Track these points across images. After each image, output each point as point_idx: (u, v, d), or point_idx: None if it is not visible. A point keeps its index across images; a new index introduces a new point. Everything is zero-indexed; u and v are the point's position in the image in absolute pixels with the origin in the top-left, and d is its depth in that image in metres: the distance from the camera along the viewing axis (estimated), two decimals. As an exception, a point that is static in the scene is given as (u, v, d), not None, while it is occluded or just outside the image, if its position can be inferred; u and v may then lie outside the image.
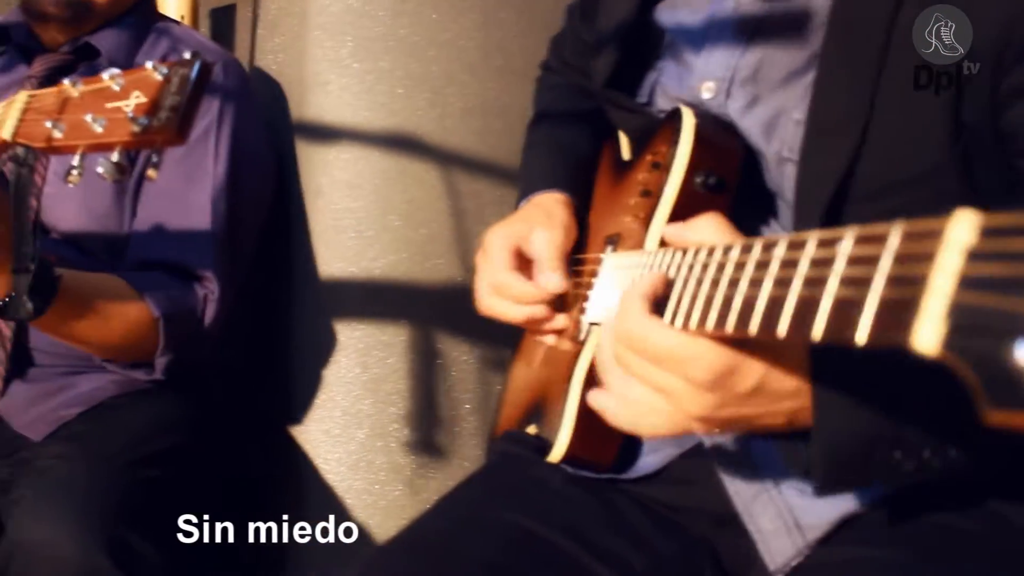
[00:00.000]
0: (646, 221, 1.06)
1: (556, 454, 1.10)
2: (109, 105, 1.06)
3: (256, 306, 1.97)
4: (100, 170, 1.08)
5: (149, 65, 1.06)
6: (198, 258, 1.62)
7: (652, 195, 1.06)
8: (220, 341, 1.69)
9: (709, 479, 1.08)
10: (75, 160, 1.10)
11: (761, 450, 1.05)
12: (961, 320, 0.46)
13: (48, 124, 1.11)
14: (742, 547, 1.05)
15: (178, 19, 2.31)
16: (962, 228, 0.48)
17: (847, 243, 0.59)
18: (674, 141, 1.05)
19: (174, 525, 1.60)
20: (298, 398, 1.91)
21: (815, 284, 0.60)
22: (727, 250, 0.76)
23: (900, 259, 0.53)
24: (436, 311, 1.86)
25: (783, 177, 1.03)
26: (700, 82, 1.10)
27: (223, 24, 2.53)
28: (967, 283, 0.47)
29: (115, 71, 1.08)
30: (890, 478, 0.91)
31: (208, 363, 1.72)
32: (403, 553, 1.09)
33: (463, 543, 1.08)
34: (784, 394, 0.84)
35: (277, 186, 1.90)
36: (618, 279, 1.07)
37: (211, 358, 1.71)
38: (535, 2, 1.91)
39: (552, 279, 1.16)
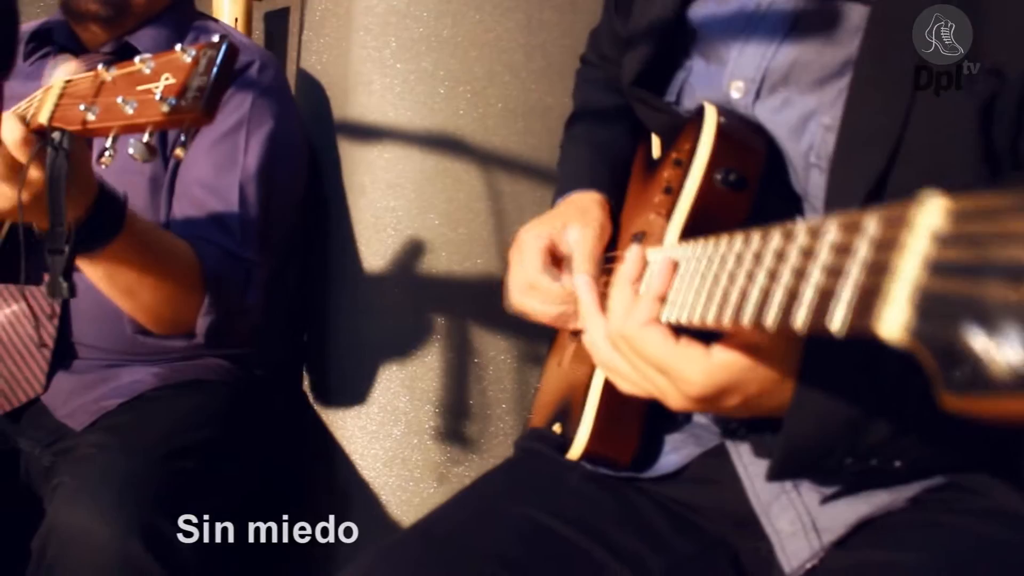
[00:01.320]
0: (667, 217, 1.04)
1: (575, 451, 1.09)
2: (140, 88, 1.08)
3: (296, 302, 1.98)
4: (131, 151, 1.11)
5: (178, 48, 1.08)
6: (237, 240, 1.63)
7: (673, 192, 1.05)
8: (259, 329, 1.70)
9: (730, 479, 1.06)
10: (108, 142, 1.13)
11: None
12: (925, 306, 0.44)
13: (82, 108, 1.14)
14: (761, 549, 1.03)
15: (232, 22, 2.35)
16: (931, 212, 0.46)
17: (832, 231, 0.57)
18: (696, 138, 1.03)
19: (204, 517, 1.61)
20: (336, 394, 1.91)
21: (801, 275, 0.59)
22: (731, 243, 0.74)
23: (876, 246, 0.51)
24: (474, 310, 1.86)
25: (809, 182, 1.01)
26: (730, 81, 1.08)
27: (276, 27, 2.57)
28: (933, 268, 0.45)
29: (147, 55, 1.10)
30: (835, 475, 0.97)
31: (246, 341, 1.72)
32: (416, 543, 1.08)
33: (478, 535, 1.07)
34: (766, 408, 0.89)
35: (309, 183, 1.90)
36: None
37: (251, 340, 1.72)
38: (578, 3, 1.89)
39: (580, 281, 1.13)
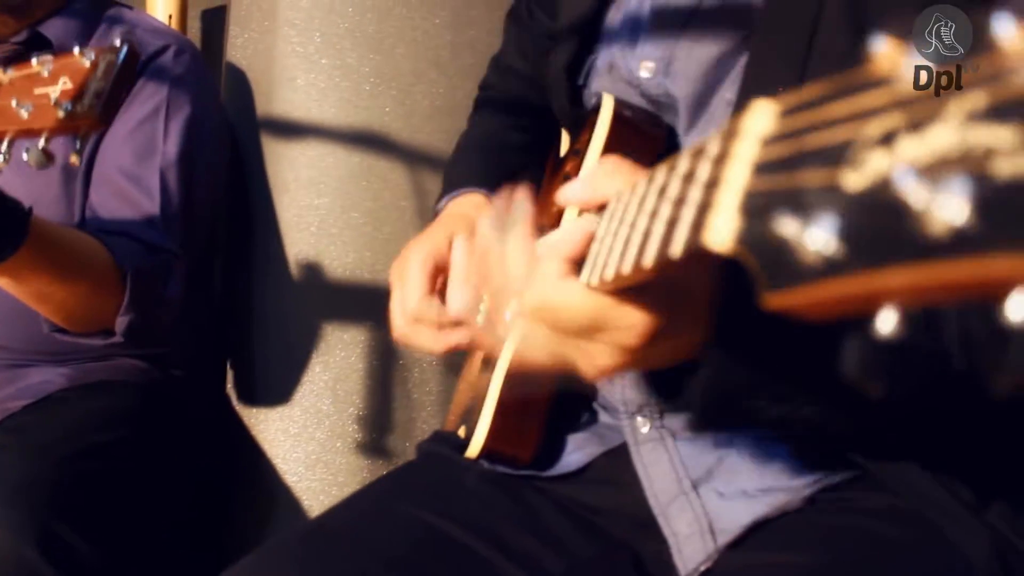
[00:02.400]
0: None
1: (474, 448, 1.05)
2: (37, 91, 1.04)
3: (217, 301, 1.92)
4: (25, 157, 1.06)
5: (77, 50, 1.04)
6: (156, 232, 1.57)
7: (571, 180, 1.02)
8: (178, 325, 1.63)
9: (630, 480, 1.02)
10: (3, 146, 1.08)
11: (686, 452, 1.00)
12: (750, 208, 0.39)
13: None
14: (663, 552, 0.99)
15: (165, 18, 2.29)
16: (759, 117, 0.42)
17: (683, 161, 0.52)
18: (593, 127, 1.02)
19: (117, 521, 1.55)
20: (258, 395, 1.85)
21: (654, 214, 0.54)
22: (618, 198, 0.70)
23: (715, 162, 0.46)
24: (399, 310, 1.80)
25: None
26: (639, 62, 1.05)
27: (212, 24, 2.51)
28: (759, 169, 0.40)
29: (46, 56, 1.06)
30: (755, 420, 0.90)
31: (166, 336, 1.66)
32: (299, 542, 1.03)
33: (364, 535, 1.02)
34: (688, 347, 0.77)
35: (232, 182, 1.85)
36: None
37: (170, 332, 1.65)
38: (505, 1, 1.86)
39: (455, 298, 1.02)
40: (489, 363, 1.13)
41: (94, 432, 1.55)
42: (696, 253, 0.44)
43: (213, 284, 1.91)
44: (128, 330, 1.53)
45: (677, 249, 0.47)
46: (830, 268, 0.32)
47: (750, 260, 0.38)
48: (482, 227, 1.03)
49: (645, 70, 1.04)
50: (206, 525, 1.85)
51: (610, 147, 1.00)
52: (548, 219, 1.10)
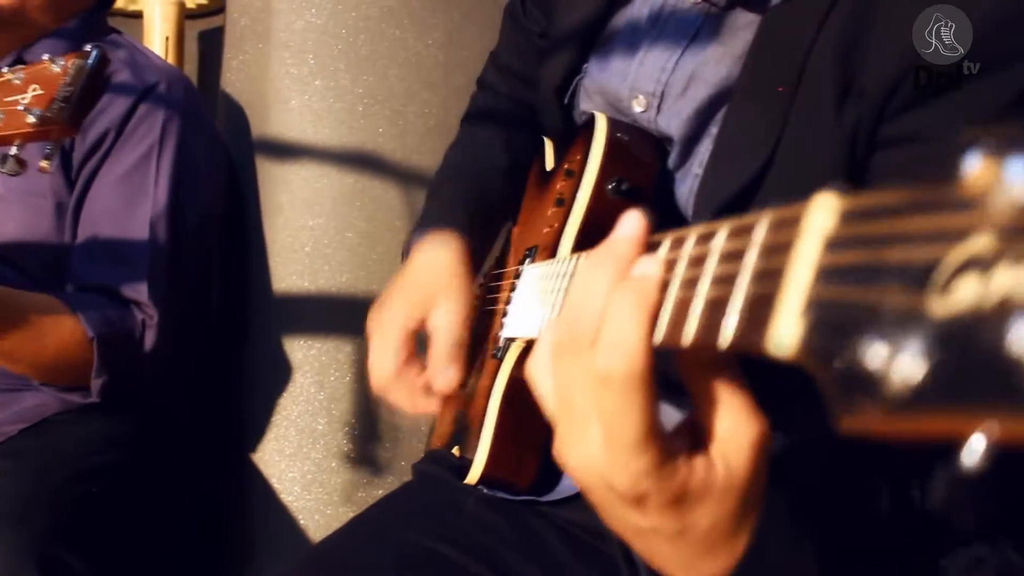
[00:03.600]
0: (560, 230, 0.99)
1: (473, 475, 1.02)
2: (8, 99, 1.02)
3: (212, 323, 1.89)
4: (1, 167, 1.04)
5: (46, 57, 1.02)
6: (135, 284, 1.53)
7: (565, 203, 1.00)
8: (169, 363, 1.60)
9: None
10: None
11: None
12: (818, 316, 0.38)
13: None
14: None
15: (163, 41, 2.26)
16: (821, 213, 0.40)
17: (720, 238, 0.50)
18: (587, 148, 0.99)
19: (114, 542, 1.52)
20: (253, 416, 1.82)
21: (691, 285, 0.52)
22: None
23: (765, 252, 0.44)
24: (393, 330, 1.78)
25: (691, 193, 0.97)
26: (631, 95, 1.03)
27: (209, 47, 2.48)
28: (825, 274, 0.38)
29: (18, 66, 1.04)
30: None
31: (150, 386, 1.62)
32: (301, 570, 1.01)
33: (367, 562, 1.01)
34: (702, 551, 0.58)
35: (227, 204, 1.82)
36: (534, 290, 1.00)
37: (154, 382, 1.62)
38: (498, 20, 1.83)
39: (445, 377, 1.02)
40: (482, 378, 1.11)
41: (91, 455, 1.53)
42: (749, 348, 0.43)
43: (209, 308, 1.88)
44: (103, 391, 1.52)
45: (726, 338, 0.45)
46: (918, 400, 0.31)
47: (820, 374, 0.36)
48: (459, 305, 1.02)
49: (637, 104, 1.02)
50: (203, 545, 1.82)
51: (605, 171, 0.98)
52: (538, 239, 1.08)
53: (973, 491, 0.31)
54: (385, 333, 1.08)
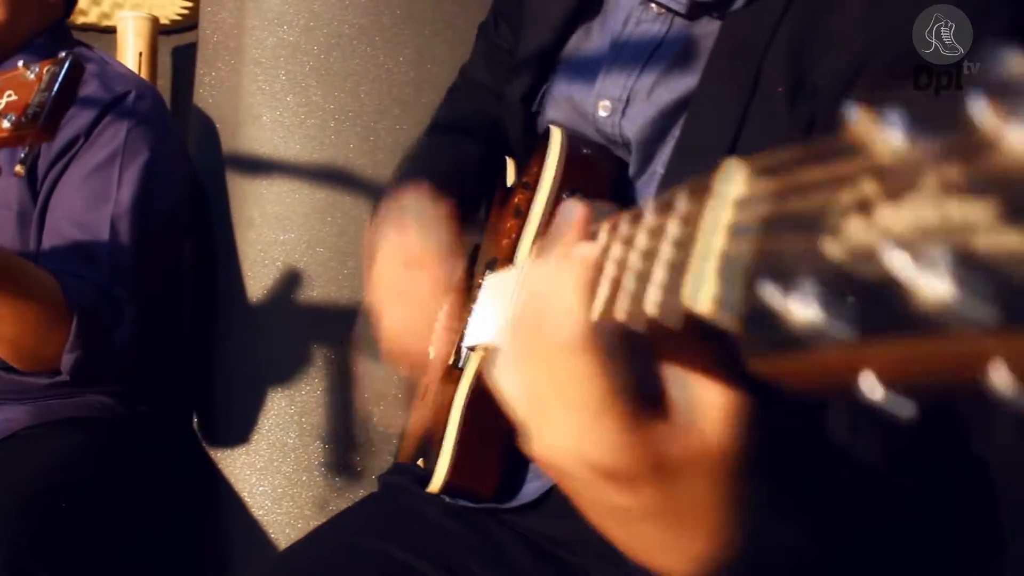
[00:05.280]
0: (517, 240, 1.00)
1: (435, 484, 1.03)
2: None
3: (182, 337, 1.89)
4: None
5: (21, 64, 1.03)
6: (106, 277, 1.53)
7: (523, 214, 1.01)
8: (137, 361, 1.60)
9: None
10: None
11: None
12: (729, 272, 0.39)
13: None
14: None
15: (135, 56, 2.27)
16: (730, 177, 0.41)
17: (648, 216, 0.51)
18: (543, 160, 1.01)
19: (84, 558, 1.52)
20: (223, 430, 1.82)
21: (623, 265, 0.53)
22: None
23: (683, 220, 0.45)
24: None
25: (654, 194, 0.98)
26: (597, 100, 1.05)
27: (183, 62, 2.49)
28: (735, 232, 0.39)
29: None
30: None
31: (117, 379, 1.62)
32: None
33: (333, 571, 1.00)
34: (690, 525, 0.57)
35: (198, 218, 1.82)
36: (491, 298, 1.01)
37: (121, 375, 1.62)
38: (469, 37, 1.84)
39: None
40: (445, 389, 1.12)
41: (61, 469, 1.52)
42: (672, 315, 0.43)
43: (181, 320, 1.88)
44: (74, 368, 1.49)
45: (652, 308, 0.46)
46: (815, 336, 0.32)
47: (732, 325, 0.37)
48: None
49: (602, 109, 1.04)
50: (174, 560, 1.81)
51: (560, 182, 0.99)
52: (498, 251, 1.09)
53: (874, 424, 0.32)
54: (408, 211, 1.08)
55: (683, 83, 0.98)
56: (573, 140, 1.02)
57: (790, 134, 0.87)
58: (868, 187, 0.32)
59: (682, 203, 0.46)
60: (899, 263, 0.29)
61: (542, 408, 0.55)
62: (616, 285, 0.52)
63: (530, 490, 1.06)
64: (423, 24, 1.85)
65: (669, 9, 0.99)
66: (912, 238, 0.29)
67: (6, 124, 1.01)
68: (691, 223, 0.44)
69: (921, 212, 0.29)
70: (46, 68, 1.03)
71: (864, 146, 0.32)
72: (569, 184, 0.99)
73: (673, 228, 0.46)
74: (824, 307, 0.32)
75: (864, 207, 0.32)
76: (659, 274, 0.46)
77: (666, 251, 0.46)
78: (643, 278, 0.48)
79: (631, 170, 1.02)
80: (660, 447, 0.52)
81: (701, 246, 0.41)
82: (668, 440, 0.53)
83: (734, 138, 0.89)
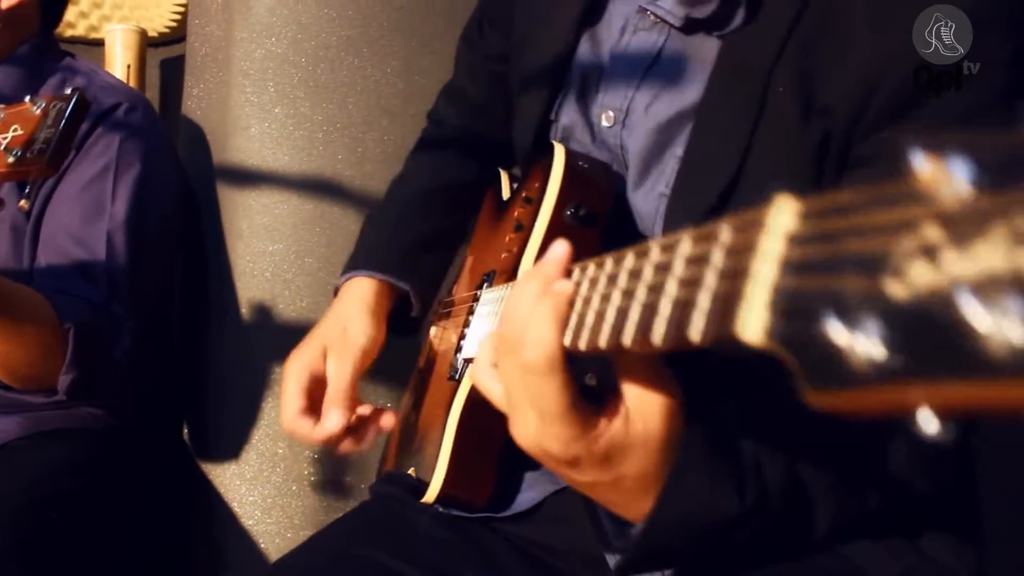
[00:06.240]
0: (519, 254, 1.01)
1: (430, 495, 1.04)
2: None
3: (172, 347, 1.89)
4: None
5: (28, 99, 1.04)
6: (103, 293, 1.53)
7: (524, 229, 1.03)
8: (134, 375, 1.59)
9: (581, 518, 1.02)
10: None
11: None
12: (783, 305, 0.41)
13: None
14: None
15: (124, 68, 2.26)
16: (782, 214, 0.43)
17: (685, 244, 0.53)
18: (546, 176, 1.03)
19: (75, 569, 1.51)
20: (213, 441, 1.82)
21: (658, 289, 0.55)
22: (583, 270, 0.70)
23: (730, 253, 0.47)
24: (353, 354, 1.78)
25: (658, 213, 0.99)
26: (600, 110, 1.06)
27: (171, 74, 2.49)
28: (789, 268, 0.41)
29: (0, 105, 1.05)
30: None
31: (114, 395, 1.62)
32: None
33: None
34: (626, 496, 0.76)
35: (187, 229, 1.82)
36: (489, 312, 1.03)
37: (119, 391, 1.61)
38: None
39: (331, 419, 1.11)
40: (436, 399, 1.13)
41: (51, 481, 1.51)
42: (719, 341, 0.45)
43: (171, 332, 1.87)
44: (71, 388, 1.49)
45: (696, 334, 0.48)
46: (880, 375, 0.34)
47: (787, 358, 0.39)
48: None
49: (605, 119, 1.06)
50: (164, 571, 1.81)
51: (563, 198, 1.01)
52: (497, 263, 1.11)
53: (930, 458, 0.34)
54: (291, 377, 1.15)
55: (681, 98, 0.99)
56: (575, 157, 1.04)
57: (800, 152, 0.88)
58: (932, 233, 0.34)
59: (728, 234, 0.48)
60: (970, 306, 0.31)
61: (516, 409, 0.72)
62: (650, 310, 0.54)
63: (524, 500, 1.07)
64: (410, 36, 1.86)
65: (665, 21, 1.00)
66: (983, 285, 0.31)
67: (11, 159, 1.02)
68: (740, 255, 0.45)
69: (991, 260, 0.31)
70: (52, 103, 1.03)
71: (929, 194, 0.34)
72: (571, 200, 1.01)
73: (718, 257, 0.48)
74: (888, 346, 0.34)
75: (929, 252, 0.33)
76: (704, 301, 0.48)
77: (711, 279, 0.48)
78: (686, 305, 0.50)
79: (629, 184, 1.03)
80: (609, 440, 0.70)
81: (753, 278, 0.43)
82: (616, 434, 0.70)
83: (743, 156, 0.90)
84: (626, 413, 0.70)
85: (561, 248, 0.72)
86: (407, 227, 1.29)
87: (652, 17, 1.02)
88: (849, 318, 0.35)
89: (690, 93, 0.99)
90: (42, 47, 1.70)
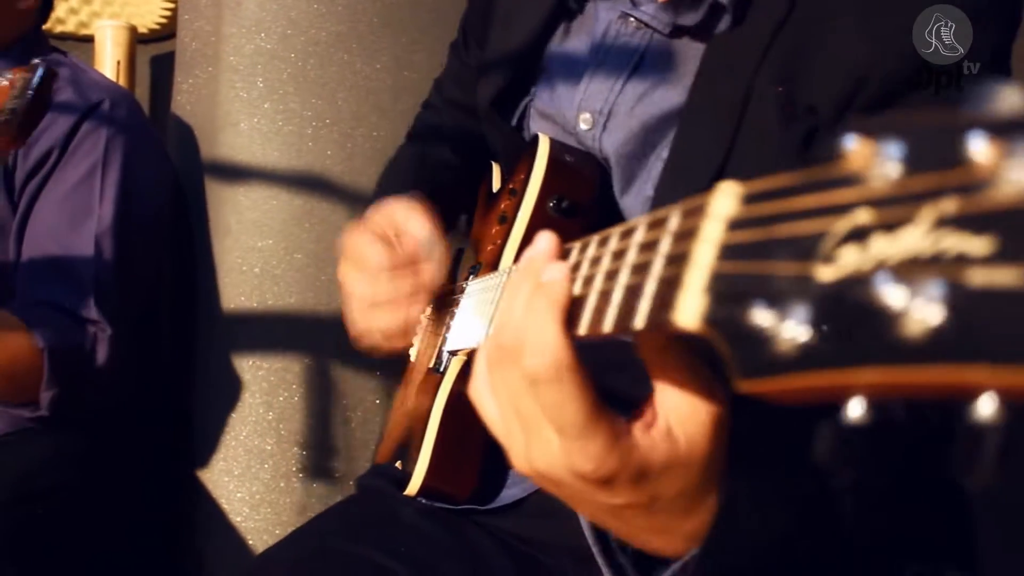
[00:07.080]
0: (502, 246, 1.00)
1: (412, 487, 1.04)
2: None
3: (160, 343, 1.88)
4: None
5: None
6: (84, 299, 1.52)
7: (508, 220, 1.02)
8: (121, 379, 1.59)
9: (567, 513, 1.00)
10: None
11: None
12: (718, 290, 0.39)
13: None
14: None
15: (114, 65, 2.26)
16: (724, 198, 0.42)
17: (639, 231, 0.52)
18: (530, 168, 1.02)
19: (61, 563, 1.50)
20: (201, 436, 1.81)
21: (612, 276, 0.54)
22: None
23: (676, 238, 0.46)
24: (341, 351, 1.78)
25: (643, 213, 0.98)
26: (578, 112, 1.05)
27: (161, 71, 2.48)
28: (727, 252, 0.40)
29: None
30: None
31: (101, 402, 1.61)
32: None
33: (307, 574, 1.00)
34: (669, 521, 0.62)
35: (176, 225, 1.81)
36: (473, 303, 1.02)
37: (105, 398, 1.60)
38: (445, 44, 1.85)
39: (430, 266, 0.97)
40: (424, 392, 1.12)
41: (38, 476, 1.51)
42: (660, 328, 0.44)
43: (159, 329, 1.86)
44: (52, 405, 1.50)
45: (640, 321, 0.47)
46: (805, 360, 0.32)
47: (719, 343, 0.38)
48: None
49: (583, 122, 1.04)
50: (151, 566, 1.80)
51: (546, 189, 1.00)
52: (483, 256, 1.10)
53: (855, 446, 0.33)
54: (357, 250, 1.01)
55: (667, 99, 0.99)
56: (559, 147, 1.03)
57: (783, 152, 0.87)
58: (863, 216, 0.33)
59: (675, 220, 0.47)
60: (892, 291, 0.30)
61: (528, 429, 0.59)
62: (604, 300, 0.53)
63: (508, 495, 1.06)
64: (400, 31, 1.85)
65: (649, 26, 0.99)
66: (906, 268, 0.30)
67: None
68: (684, 240, 0.44)
69: (916, 243, 0.30)
70: (18, 75, 1.03)
71: (861, 176, 0.33)
72: (554, 191, 1.00)
73: (665, 244, 0.47)
74: (815, 331, 0.33)
75: (859, 235, 0.32)
76: (650, 288, 0.47)
77: (658, 266, 0.47)
78: (634, 291, 0.49)
79: (616, 188, 1.03)
80: (642, 454, 0.56)
81: (692, 263, 0.42)
82: (655, 447, 0.57)
83: (725, 157, 0.90)
84: (666, 425, 0.58)
85: (546, 240, 0.63)
86: (415, 177, 1.23)
87: (635, 22, 1.01)
88: (778, 302, 0.34)
89: (675, 94, 0.98)
90: (31, 45, 1.70)
